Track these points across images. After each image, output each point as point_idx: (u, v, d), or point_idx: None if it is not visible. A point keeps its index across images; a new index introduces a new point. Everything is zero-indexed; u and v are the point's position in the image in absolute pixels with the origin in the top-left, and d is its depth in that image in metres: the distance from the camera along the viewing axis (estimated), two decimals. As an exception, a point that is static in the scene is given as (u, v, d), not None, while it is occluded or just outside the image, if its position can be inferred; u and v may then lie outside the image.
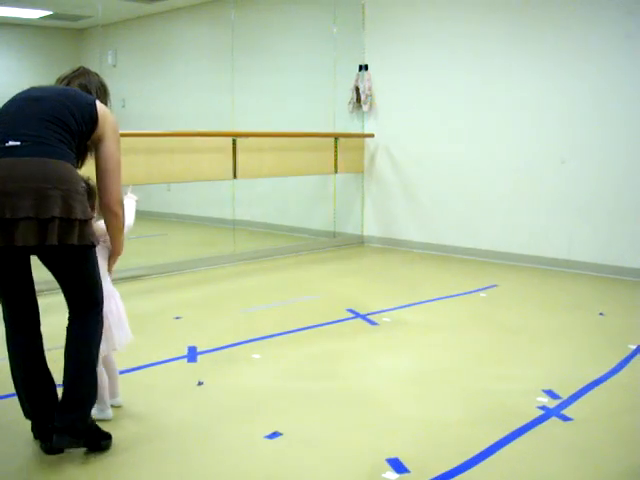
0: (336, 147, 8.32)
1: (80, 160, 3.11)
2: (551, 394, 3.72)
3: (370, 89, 8.45)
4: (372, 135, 8.52)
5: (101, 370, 3.31)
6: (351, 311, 5.41)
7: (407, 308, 5.54)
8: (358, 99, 8.53)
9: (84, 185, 2.94)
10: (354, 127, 8.67)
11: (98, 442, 3.02)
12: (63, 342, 2.99)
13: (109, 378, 3.42)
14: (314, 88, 9.00)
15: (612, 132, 6.64)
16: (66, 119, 2.91)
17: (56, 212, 2.73)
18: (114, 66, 11.25)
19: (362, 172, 8.71)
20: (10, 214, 2.69)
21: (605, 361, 4.27)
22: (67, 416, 2.92)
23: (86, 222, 2.85)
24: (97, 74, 3.32)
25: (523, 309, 5.56)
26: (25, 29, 11.53)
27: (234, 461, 2.98)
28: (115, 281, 4.00)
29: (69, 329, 3.02)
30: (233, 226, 8.30)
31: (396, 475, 2.82)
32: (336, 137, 8.36)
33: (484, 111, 7.52)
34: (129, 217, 3.40)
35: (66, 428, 2.91)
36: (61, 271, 2.95)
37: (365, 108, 8.49)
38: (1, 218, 2.69)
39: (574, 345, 4.64)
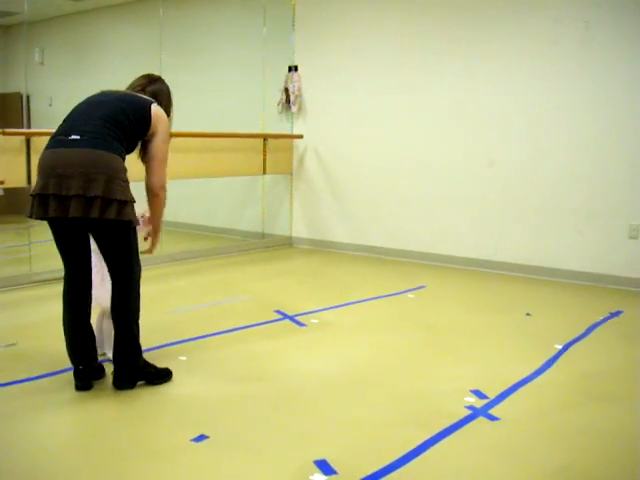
0: (265, 148, 8.25)
1: (131, 151, 3.90)
2: (478, 394, 3.74)
3: (299, 90, 8.42)
4: (301, 136, 8.49)
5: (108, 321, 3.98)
6: (279, 312, 5.36)
7: (335, 309, 5.52)
8: (287, 100, 8.50)
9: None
10: (283, 128, 8.63)
11: (152, 380, 3.77)
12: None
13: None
14: (243, 88, 8.91)
15: (537, 134, 6.75)
16: (120, 119, 3.62)
17: (99, 192, 3.40)
18: (41, 64, 11.01)
19: (291, 173, 8.68)
20: (65, 192, 3.40)
21: (532, 361, 4.31)
22: (120, 366, 3.68)
23: (126, 203, 3.51)
24: (167, 85, 4.24)
25: (451, 310, 5.59)
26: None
27: (160, 465, 2.90)
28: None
29: (112, 294, 3.68)
30: (160, 227, 8.16)
31: (324, 477, 2.78)
32: (265, 138, 8.30)
33: (413, 113, 7.57)
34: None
35: (121, 377, 3.69)
36: (103, 242, 3.63)
37: (294, 109, 8.46)
38: (59, 194, 3.40)
39: (501, 345, 4.68)
